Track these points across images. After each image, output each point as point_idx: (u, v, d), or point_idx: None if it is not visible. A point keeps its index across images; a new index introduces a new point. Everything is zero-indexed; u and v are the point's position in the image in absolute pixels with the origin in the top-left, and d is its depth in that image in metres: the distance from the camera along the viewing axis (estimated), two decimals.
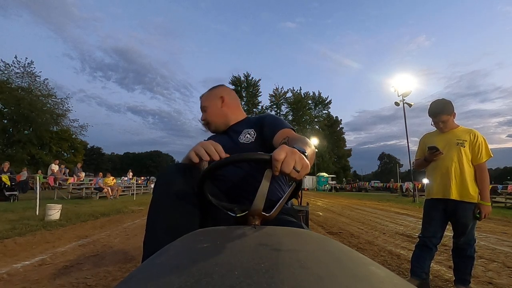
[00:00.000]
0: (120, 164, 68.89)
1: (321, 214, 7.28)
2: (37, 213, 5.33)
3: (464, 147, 1.87)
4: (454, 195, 1.86)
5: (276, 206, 0.61)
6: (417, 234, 2.22)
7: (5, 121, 23.95)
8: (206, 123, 1.23)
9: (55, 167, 10.07)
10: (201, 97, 1.27)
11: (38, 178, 5.60)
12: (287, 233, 0.46)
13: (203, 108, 1.23)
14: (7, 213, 5.47)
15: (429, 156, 1.96)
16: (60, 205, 5.18)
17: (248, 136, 1.09)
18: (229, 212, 0.63)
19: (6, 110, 23.64)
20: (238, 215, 0.60)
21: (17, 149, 23.28)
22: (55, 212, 4.95)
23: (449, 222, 2.00)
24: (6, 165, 7.96)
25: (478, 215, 1.82)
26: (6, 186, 6.89)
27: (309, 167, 0.59)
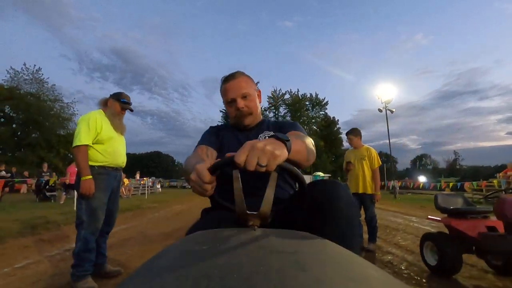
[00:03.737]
0: None
1: None
2: (75, 208, 6.63)
3: (365, 160, 3.22)
4: (361, 190, 3.20)
5: (262, 202, 0.57)
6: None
7: (14, 126, 25.18)
8: (248, 113, 1.05)
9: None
10: (231, 79, 1.05)
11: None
12: (286, 235, 0.46)
13: (242, 94, 1.04)
14: (51, 209, 6.77)
15: (347, 166, 3.31)
16: None
17: None
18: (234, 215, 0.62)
19: (15, 115, 24.85)
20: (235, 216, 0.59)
21: (28, 152, 24.47)
22: None
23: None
24: (45, 166, 9.11)
25: (373, 200, 3.16)
26: (47, 187, 8.15)
27: (281, 157, 0.55)
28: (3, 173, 8.75)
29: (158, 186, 18.74)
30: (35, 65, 26.21)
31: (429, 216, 2.80)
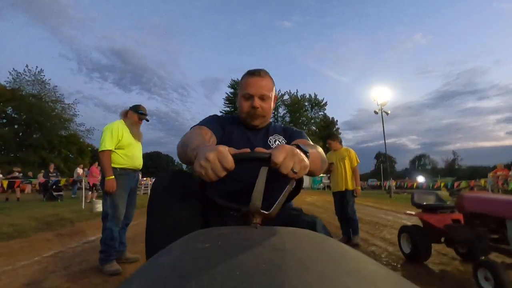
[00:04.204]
0: None
1: (304, 207, 8.99)
2: (83, 207, 6.99)
3: (346, 159, 3.60)
4: (344, 188, 3.59)
5: (275, 204, 0.60)
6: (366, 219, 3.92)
7: (16, 126, 25.50)
8: (261, 115, 1.04)
9: (80, 171, 11.68)
10: (257, 75, 1.03)
11: (83, 180, 7.28)
12: (288, 233, 0.46)
13: (261, 95, 1.02)
14: (60, 207, 7.13)
15: (329, 167, 3.70)
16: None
17: (278, 143, 1.07)
18: (231, 212, 0.64)
19: (17, 116, 25.17)
20: (237, 214, 0.61)
21: (30, 152, 24.77)
22: (100, 205, 6.63)
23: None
24: (52, 167, 9.46)
25: (354, 195, 3.55)
26: (54, 187, 8.51)
27: (308, 168, 0.59)
28: (16, 174, 9.12)
29: None
30: (37, 66, 26.51)
31: (406, 212, 3.17)
